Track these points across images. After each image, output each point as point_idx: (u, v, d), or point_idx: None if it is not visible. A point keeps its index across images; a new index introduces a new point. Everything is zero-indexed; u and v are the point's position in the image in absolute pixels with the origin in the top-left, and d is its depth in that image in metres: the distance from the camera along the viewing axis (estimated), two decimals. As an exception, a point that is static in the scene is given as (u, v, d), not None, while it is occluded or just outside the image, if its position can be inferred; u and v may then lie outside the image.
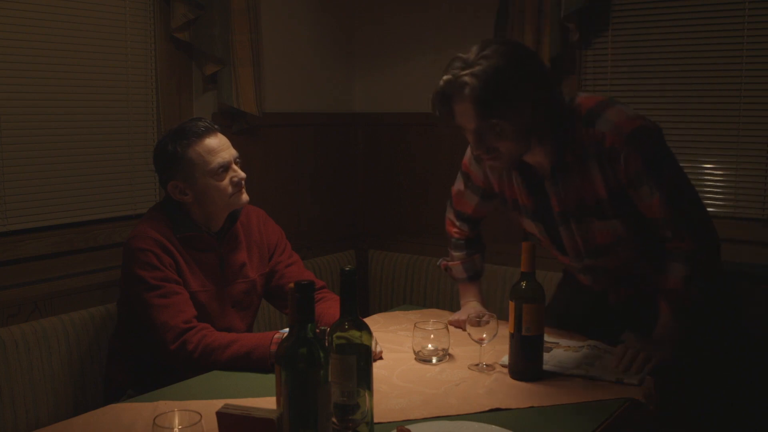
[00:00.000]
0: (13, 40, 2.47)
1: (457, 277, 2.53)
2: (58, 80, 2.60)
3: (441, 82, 1.91)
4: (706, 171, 2.94)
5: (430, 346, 2.12)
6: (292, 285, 1.40)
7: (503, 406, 1.78)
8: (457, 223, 2.50)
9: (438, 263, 2.65)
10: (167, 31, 2.86)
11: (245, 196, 2.30)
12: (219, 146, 2.24)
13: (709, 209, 2.88)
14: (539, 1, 3.03)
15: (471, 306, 2.45)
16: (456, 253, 2.53)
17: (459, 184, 2.40)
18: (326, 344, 1.56)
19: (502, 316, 2.07)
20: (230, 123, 3.04)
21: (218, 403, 1.58)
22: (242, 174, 2.28)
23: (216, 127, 2.29)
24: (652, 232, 2.03)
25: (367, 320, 2.36)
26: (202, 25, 2.88)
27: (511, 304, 1.96)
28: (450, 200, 2.53)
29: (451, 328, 2.20)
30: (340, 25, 3.66)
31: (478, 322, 2.04)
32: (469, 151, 2.28)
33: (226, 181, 2.24)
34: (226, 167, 2.24)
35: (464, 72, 1.86)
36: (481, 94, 1.84)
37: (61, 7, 2.58)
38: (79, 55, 2.65)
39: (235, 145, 2.31)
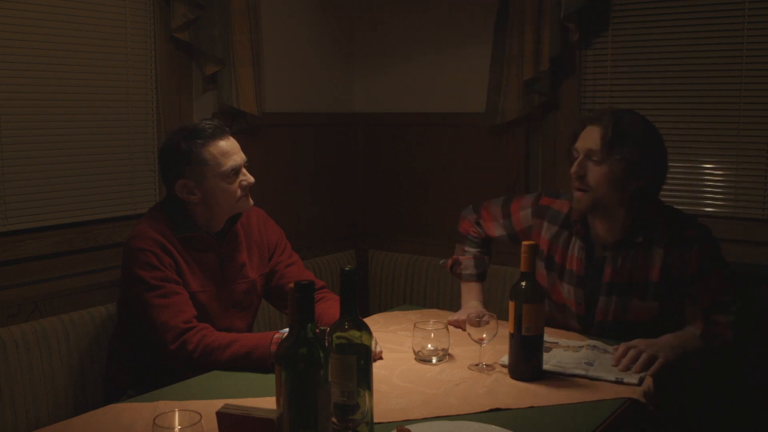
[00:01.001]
0: (13, 40, 2.47)
1: (464, 272, 2.55)
2: (58, 80, 2.60)
3: (587, 113, 2.31)
4: (706, 171, 2.94)
5: (430, 346, 2.13)
6: (292, 285, 1.40)
7: (503, 406, 1.78)
8: (477, 228, 2.58)
9: (441, 263, 2.66)
10: (167, 31, 2.86)
11: (251, 201, 2.32)
12: (232, 149, 2.25)
13: (708, 209, 2.91)
14: (539, 1, 3.03)
15: (471, 306, 2.45)
16: (470, 249, 2.57)
17: (497, 213, 2.52)
18: (326, 344, 1.56)
19: (502, 316, 2.07)
20: (230, 123, 3.04)
21: (218, 403, 1.58)
22: (251, 179, 2.29)
23: (227, 129, 2.30)
24: (680, 317, 2.28)
25: (367, 320, 2.36)
26: (202, 25, 2.88)
27: (511, 304, 1.96)
28: (476, 209, 2.60)
29: (451, 328, 2.20)
30: (340, 25, 3.66)
31: (478, 322, 2.04)
32: (528, 202, 2.45)
33: (236, 185, 2.25)
34: (237, 170, 2.25)
35: (611, 111, 2.22)
36: (611, 127, 2.13)
37: (61, 7, 2.58)
38: (79, 55, 2.65)
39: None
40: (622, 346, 2.04)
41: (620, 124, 2.15)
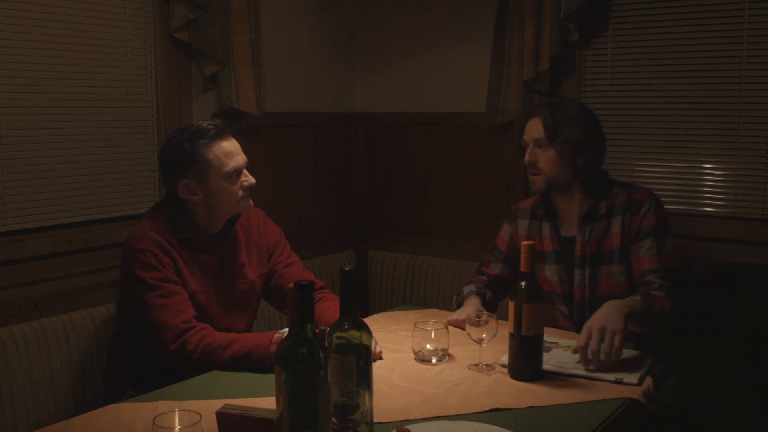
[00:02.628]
0: (13, 40, 2.47)
1: (464, 292, 2.56)
2: (58, 80, 2.60)
3: (529, 109, 2.56)
4: (705, 171, 2.94)
5: (429, 346, 2.13)
6: (291, 285, 1.40)
7: (503, 406, 1.78)
8: (480, 276, 2.66)
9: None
10: (167, 31, 2.86)
11: (251, 201, 2.33)
12: (234, 150, 2.27)
13: (708, 209, 2.91)
14: (539, 1, 3.03)
15: (471, 304, 2.43)
16: (471, 283, 2.62)
17: (488, 256, 2.67)
18: (326, 344, 1.56)
19: (502, 316, 2.07)
20: (230, 123, 3.04)
21: (218, 403, 1.58)
22: (253, 180, 2.30)
23: (229, 130, 2.31)
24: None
25: (367, 320, 2.36)
26: (202, 25, 2.88)
27: (511, 304, 1.96)
28: (477, 269, 2.70)
29: (450, 327, 2.20)
30: (340, 25, 3.66)
31: (477, 322, 2.04)
32: (502, 224, 2.65)
33: (237, 185, 2.27)
34: (239, 171, 2.27)
35: (547, 102, 2.49)
36: (550, 115, 2.38)
37: (60, 7, 2.58)
38: (79, 55, 2.65)
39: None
40: (580, 348, 1.99)
41: (557, 112, 2.39)
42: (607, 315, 2.02)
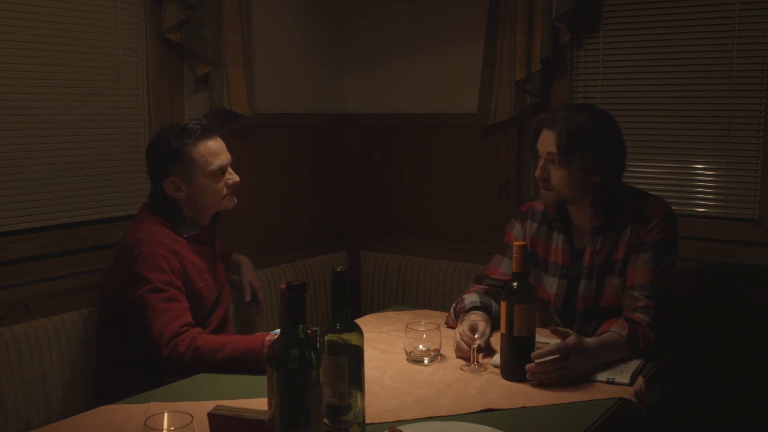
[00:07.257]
0: (2, 41, 2.45)
1: (467, 301, 2.30)
2: (49, 80, 2.59)
3: (542, 114, 2.31)
4: (697, 171, 2.95)
5: (422, 346, 2.13)
6: (283, 286, 1.40)
7: (495, 407, 1.79)
8: (478, 286, 2.42)
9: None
10: (159, 32, 2.85)
11: (234, 199, 2.41)
12: (219, 149, 2.35)
13: (700, 210, 2.92)
14: (530, 2, 3.03)
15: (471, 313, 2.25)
16: (473, 291, 2.39)
17: (497, 258, 2.46)
18: (318, 345, 1.56)
19: (496, 327, 2.08)
20: (222, 124, 3.04)
21: (210, 405, 1.58)
22: (237, 178, 2.38)
23: (215, 130, 2.39)
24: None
25: (360, 321, 2.36)
26: (194, 25, 2.87)
27: (503, 305, 1.96)
28: (475, 278, 2.49)
29: (443, 328, 2.20)
30: (332, 27, 3.66)
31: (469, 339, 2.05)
32: (512, 223, 2.49)
33: (222, 183, 2.35)
34: (224, 170, 2.35)
35: (564, 111, 2.26)
36: (564, 132, 2.19)
37: (51, 7, 2.57)
38: (70, 56, 2.64)
39: (226, 146, 2.40)
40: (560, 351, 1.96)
41: (573, 128, 2.19)
42: (592, 359, 1.98)
